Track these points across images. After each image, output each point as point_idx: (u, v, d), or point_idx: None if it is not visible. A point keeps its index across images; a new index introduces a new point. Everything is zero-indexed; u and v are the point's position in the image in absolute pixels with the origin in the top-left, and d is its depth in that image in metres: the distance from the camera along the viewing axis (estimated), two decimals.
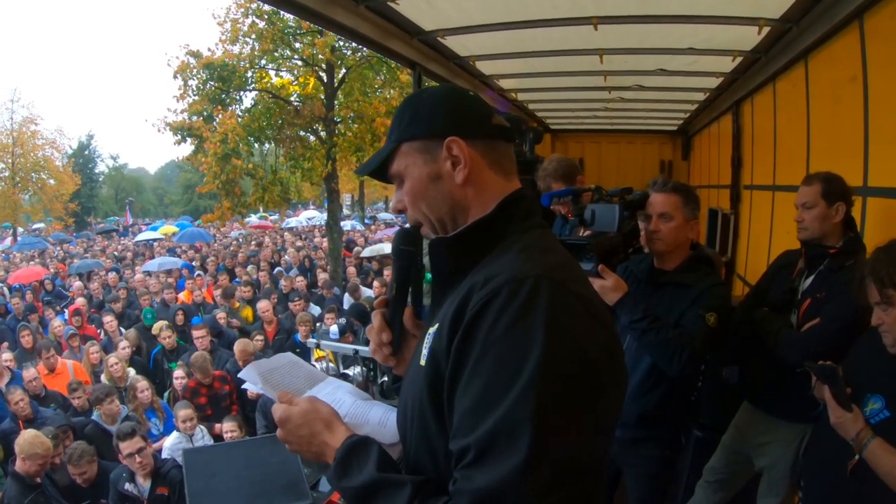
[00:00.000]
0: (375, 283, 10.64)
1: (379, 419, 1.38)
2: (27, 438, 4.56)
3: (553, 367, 0.99)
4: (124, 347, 7.54)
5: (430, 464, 1.17)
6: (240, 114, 15.40)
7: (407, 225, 1.39)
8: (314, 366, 6.02)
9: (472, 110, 1.30)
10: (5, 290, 14.62)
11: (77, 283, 14.39)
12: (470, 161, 1.24)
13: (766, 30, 3.99)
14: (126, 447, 4.46)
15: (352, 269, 13.00)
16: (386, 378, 4.93)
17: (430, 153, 1.26)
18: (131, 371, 6.89)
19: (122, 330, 9.02)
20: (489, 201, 1.26)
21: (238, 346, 6.74)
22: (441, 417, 1.12)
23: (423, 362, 1.19)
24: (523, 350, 1.00)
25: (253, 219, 31.38)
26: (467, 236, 1.25)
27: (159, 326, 8.09)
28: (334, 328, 7.33)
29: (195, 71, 14.82)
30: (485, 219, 1.25)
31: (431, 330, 1.21)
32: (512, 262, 1.13)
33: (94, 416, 5.60)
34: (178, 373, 6.48)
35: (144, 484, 4.49)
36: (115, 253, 23.71)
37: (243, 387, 1.34)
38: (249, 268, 14.39)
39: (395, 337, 1.45)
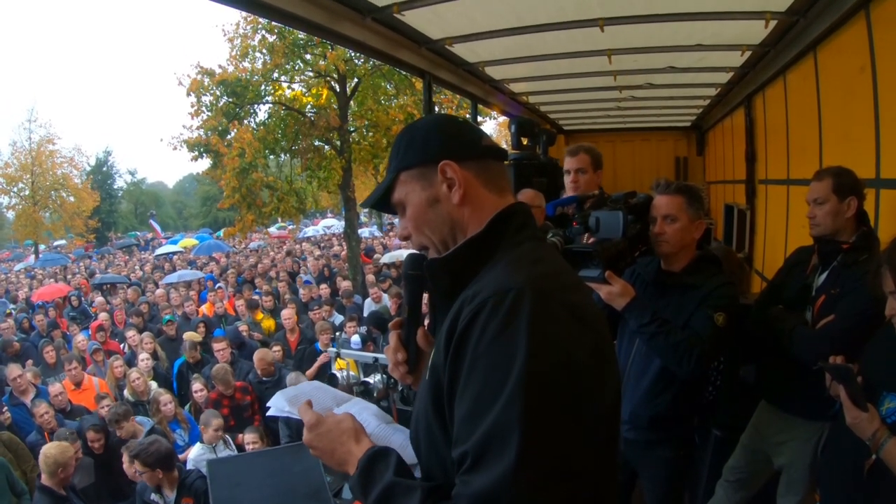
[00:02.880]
0: (388, 294, 10.51)
1: (400, 444, 1.41)
2: (49, 455, 4.66)
3: (537, 372, 1.03)
4: (144, 359, 7.62)
5: (441, 472, 1.21)
6: (254, 127, 15.51)
7: (413, 250, 1.44)
8: (336, 374, 6.08)
9: (463, 134, 1.36)
10: (26, 305, 14.83)
11: (99, 299, 14.56)
12: (464, 182, 1.30)
13: (772, 23, 3.99)
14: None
15: (370, 277, 13.00)
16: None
17: (426, 179, 1.32)
18: (153, 384, 6.97)
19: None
20: (485, 218, 1.31)
21: (257, 356, 6.81)
22: (445, 428, 1.17)
23: (427, 376, 1.25)
24: (508, 358, 1.04)
25: (273, 229, 31.58)
26: (460, 255, 1.30)
27: (190, 339, 8.19)
28: (356, 337, 7.36)
29: (208, 88, 14.93)
30: (476, 237, 1.30)
31: (435, 345, 1.26)
32: (498, 276, 1.18)
33: None
34: (197, 385, 6.54)
35: (170, 495, 4.55)
36: (137, 266, 24.00)
37: (269, 414, 1.39)
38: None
39: (411, 356, 1.51)
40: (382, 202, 1.40)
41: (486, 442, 1.03)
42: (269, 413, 1.57)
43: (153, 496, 4.54)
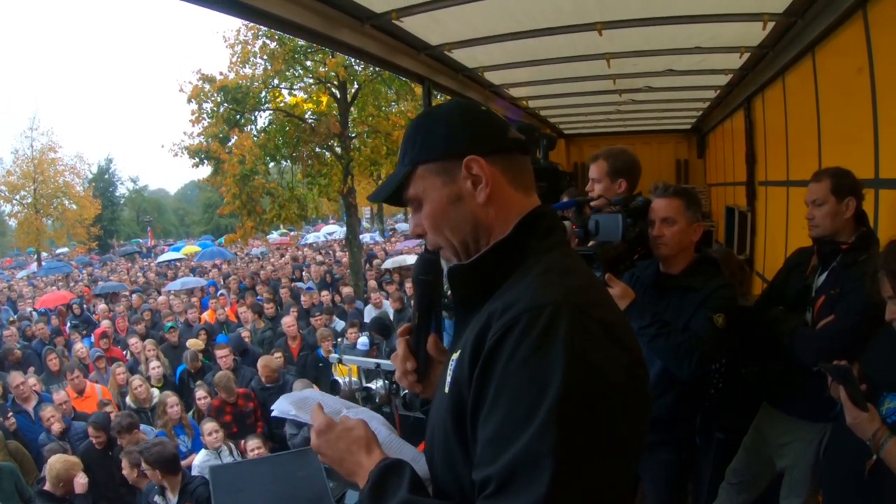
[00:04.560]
0: (389, 300, 10.47)
1: (412, 456, 1.34)
2: (53, 467, 4.77)
3: (574, 397, 0.96)
4: (155, 367, 7.63)
5: (456, 491, 1.15)
6: (255, 134, 15.58)
7: (426, 249, 1.36)
8: (338, 381, 6.07)
9: (488, 125, 1.26)
10: (34, 314, 14.84)
11: (102, 306, 14.58)
12: (491, 179, 1.21)
13: (770, 24, 3.99)
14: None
15: (372, 283, 12.99)
16: (408, 391, 4.94)
17: (448, 174, 1.22)
18: (155, 391, 6.98)
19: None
20: (511, 220, 1.23)
21: (261, 362, 6.80)
22: (465, 445, 1.10)
23: (446, 390, 1.17)
24: (543, 381, 0.97)
25: (274, 235, 31.56)
26: (485, 262, 1.22)
27: (194, 345, 8.22)
28: (363, 338, 7.35)
29: (209, 94, 14.99)
30: (503, 242, 1.22)
31: (454, 357, 1.18)
32: (531, 288, 1.10)
33: None
34: (200, 392, 6.57)
35: (173, 498, 4.58)
36: (139, 273, 24.01)
37: (273, 415, 1.37)
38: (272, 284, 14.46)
39: (420, 364, 1.44)
40: (394, 196, 1.30)
41: (514, 468, 0.95)
42: (273, 414, 1.54)
43: (157, 498, 4.58)
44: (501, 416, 0.99)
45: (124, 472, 4.87)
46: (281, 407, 1.48)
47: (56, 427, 5.96)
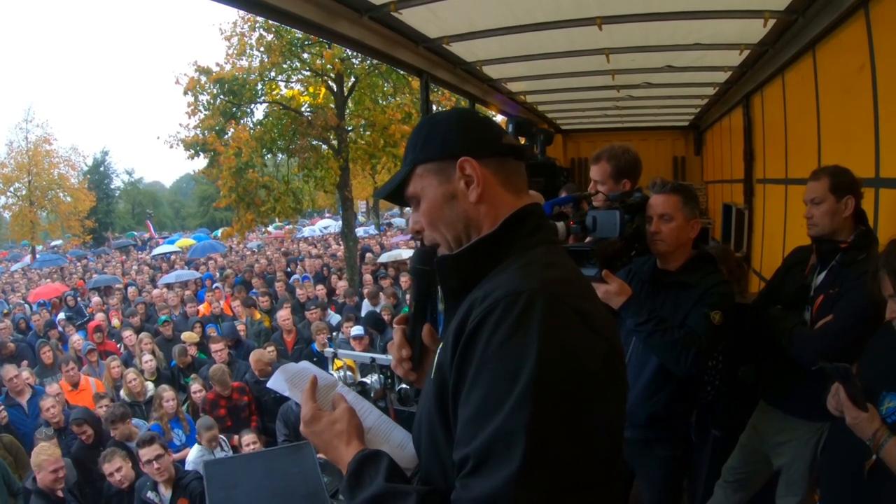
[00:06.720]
0: (382, 295, 10.38)
1: (400, 441, 1.40)
2: (35, 451, 4.74)
3: (547, 378, 1.00)
4: (148, 361, 7.58)
5: (440, 475, 1.19)
6: (251, 126, 15.49)
7: (420, 244, 1.42)
8: (333, 375, 6.07)
9: (484, 131, 1.33)
10: (26, 307, 14.78)
11: (95, 299, 14.53)
12: (483, 179, 1.27)
13: (771, 22, 3.99)
14: (145, 454, 4.54)
15: (368, 277, 12.96)
16: (404, 385, 4.94)
17: (444, 174, 1.29)
18: (150, 385, 6.95)
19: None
20: (500, 218, 1.29)
21: (253, 356, 6.77)
22: (448, 429, 1.14)
23: (432, 375, 1.22)
24: (518, 362, 1.01)
25: (271, 229, 31.46)
26: (471, 254, 1.28)
27: (189, 338, 8.22)
28: (357, 328, 7.35)
29: (206, 86, 14.92)
30: (488, 237, 1.27)
31: (442, 344, 1.23)
32: (511, 278, 1.15)
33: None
34: (195, 386, 6.55)
35: (166, 493, 4.56)
36: (134, 266, 23.91)
37: (268, 384, 1.42)
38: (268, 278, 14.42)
39: (415, 353, 1.48)
40: (396, 194, 1.37)
41: (489, 446, 0.99)
42: (268, 384, 1.56)
43: (149, 494, 4.54)
44: (479, 398, 1.04)
45: (112, 479, 4.76)
46: (275, 382, 1.50)
47: (54, 419, 5.94)
